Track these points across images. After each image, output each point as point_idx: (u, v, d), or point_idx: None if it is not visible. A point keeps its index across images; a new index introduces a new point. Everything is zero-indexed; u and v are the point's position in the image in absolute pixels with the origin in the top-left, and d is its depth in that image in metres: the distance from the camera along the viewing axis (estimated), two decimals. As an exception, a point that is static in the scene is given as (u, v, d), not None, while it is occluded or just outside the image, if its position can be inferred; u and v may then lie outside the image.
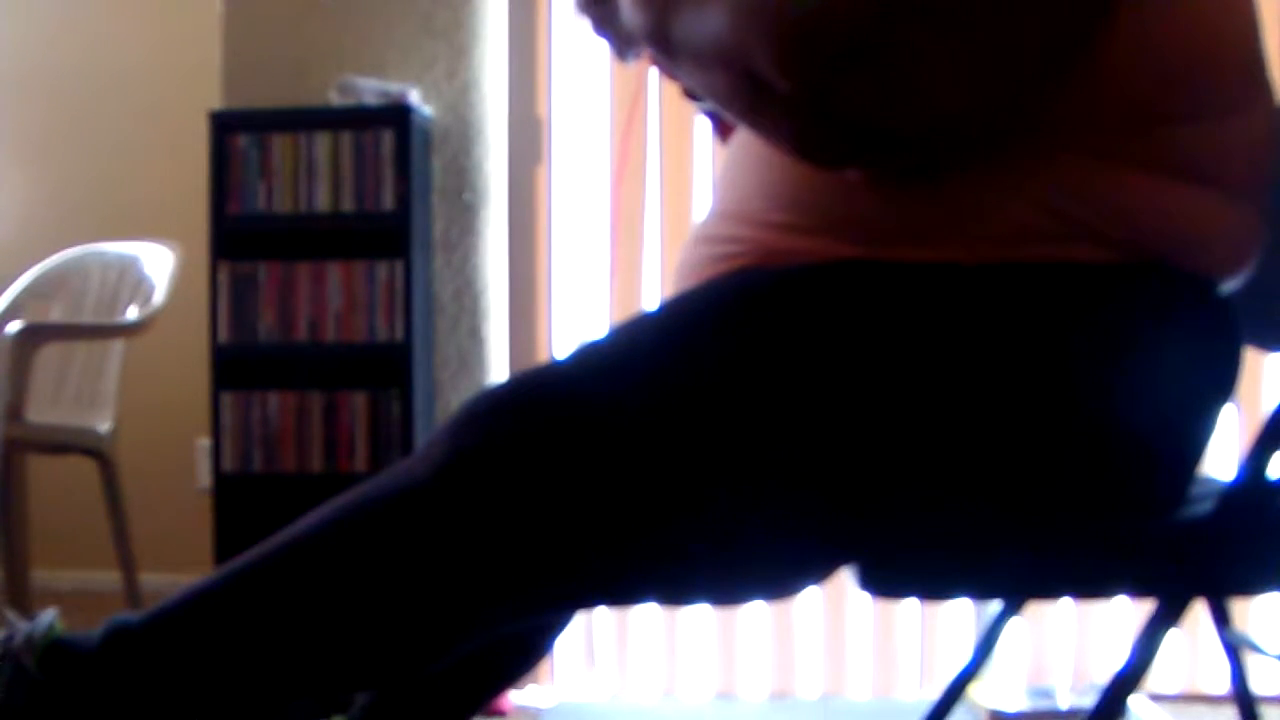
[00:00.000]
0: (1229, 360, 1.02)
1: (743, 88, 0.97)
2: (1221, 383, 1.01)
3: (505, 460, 0.90)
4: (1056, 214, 0.96)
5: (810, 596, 2.57)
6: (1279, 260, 1.17)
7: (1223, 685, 2.50)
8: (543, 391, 0.94)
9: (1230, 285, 1.04)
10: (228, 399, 2.60)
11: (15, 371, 2.76)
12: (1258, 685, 1.62)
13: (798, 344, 0.94)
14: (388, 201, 2.56)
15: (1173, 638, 1.16)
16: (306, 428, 2.58)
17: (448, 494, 0.90)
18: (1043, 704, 2.37)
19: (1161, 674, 2.55)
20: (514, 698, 2.56)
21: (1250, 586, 1.04)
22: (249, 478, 2.59)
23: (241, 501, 2.59)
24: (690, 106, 1.23)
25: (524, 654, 1.20)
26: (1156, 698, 2.53)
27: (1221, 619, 1.45)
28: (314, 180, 2.57)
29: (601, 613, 2.59)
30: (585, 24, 1.15)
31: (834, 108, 0.94)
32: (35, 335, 2.83)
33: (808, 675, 2.64)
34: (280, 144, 2.58)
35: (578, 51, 2.70)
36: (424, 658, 0.93)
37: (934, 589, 1.06)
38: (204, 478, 3.26)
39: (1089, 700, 2.40)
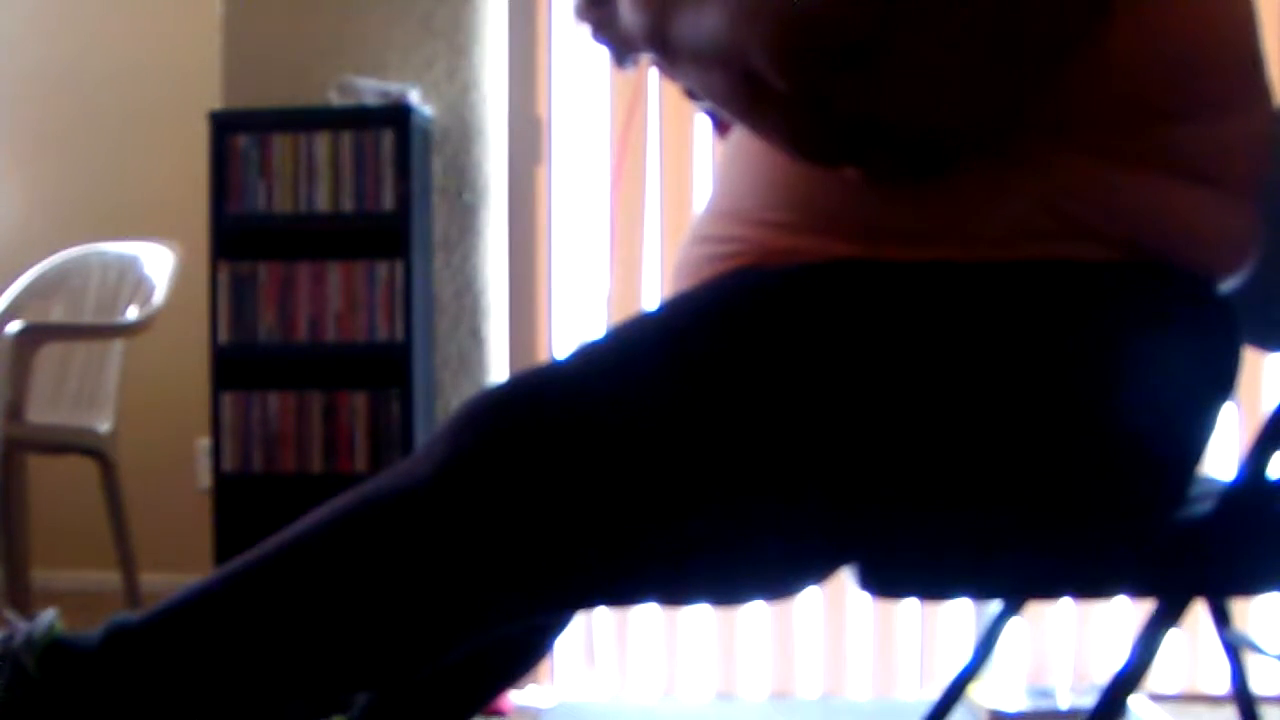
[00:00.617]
0: (1228, 359, 1.02)
1: (741, 87, 0.97)
2: (1221, 382, 1.01)
3: (505, 460, 0.90)
4: (1055, 212, 0.96)
5: (810, 596, 2.56)
6: (1279, 260, 1.17)
7: (1223, 685, 2.50)
8: (542, 392, 0.94)
9: (1229, 284, 1.04)
10: (228, 399, 2.60)
11: (15, 371, 2.76)
12: (1258, 685, 1.62)
13: (796, 344, 0.94)
14: (388, 201, 2.56)
15: (1173, 638, 1.16)
16: (306, 428, 2.58)
17: (448, 494, 0.90)
18: (1043, 704, 2.37)
19: (1161, 674, 2.55)
20: (514, 698, 2.56)
21: (1250, 586, 1.04)
22: (249, 478, 2.59)
23: (241, 501, 2.59)
24: (690, 105, 1.23)
25: (524, 654, 1.20)
26: (1156, 698, 2.53)
27: (1221, 619, 1.45)
28: (314, 180, 2.57)
29: (601, 613, 2.59)
30: (584, 29, 1.15)
31: (832, 107, 0.94)
32: (35, 335, 2.83)
33: (808, 675, 2.64)
34: (280, 144, 2.58)
35: (578, 51, 2.70)
36: (424, 658, 0.93)
37: (934, 589, 1.06)
38: (204, 478, 3.26)
39: (1089, 700, 2.40)
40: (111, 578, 3.09)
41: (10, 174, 3.67)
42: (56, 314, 3.20)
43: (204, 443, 3.24)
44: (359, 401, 2.58)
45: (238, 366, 2.61)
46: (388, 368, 2.58)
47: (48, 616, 0.96)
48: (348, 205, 2.57)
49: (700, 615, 2.64)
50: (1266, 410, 1.02)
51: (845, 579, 1.05)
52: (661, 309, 1.00)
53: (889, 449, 0.94)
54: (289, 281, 2.59)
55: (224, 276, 2.60)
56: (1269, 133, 1.04)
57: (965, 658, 1.54)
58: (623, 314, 2.49)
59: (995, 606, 1.52)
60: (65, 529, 3.40)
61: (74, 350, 3.17)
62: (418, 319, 2.61)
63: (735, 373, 0.94)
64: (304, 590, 0.91)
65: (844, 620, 2.63)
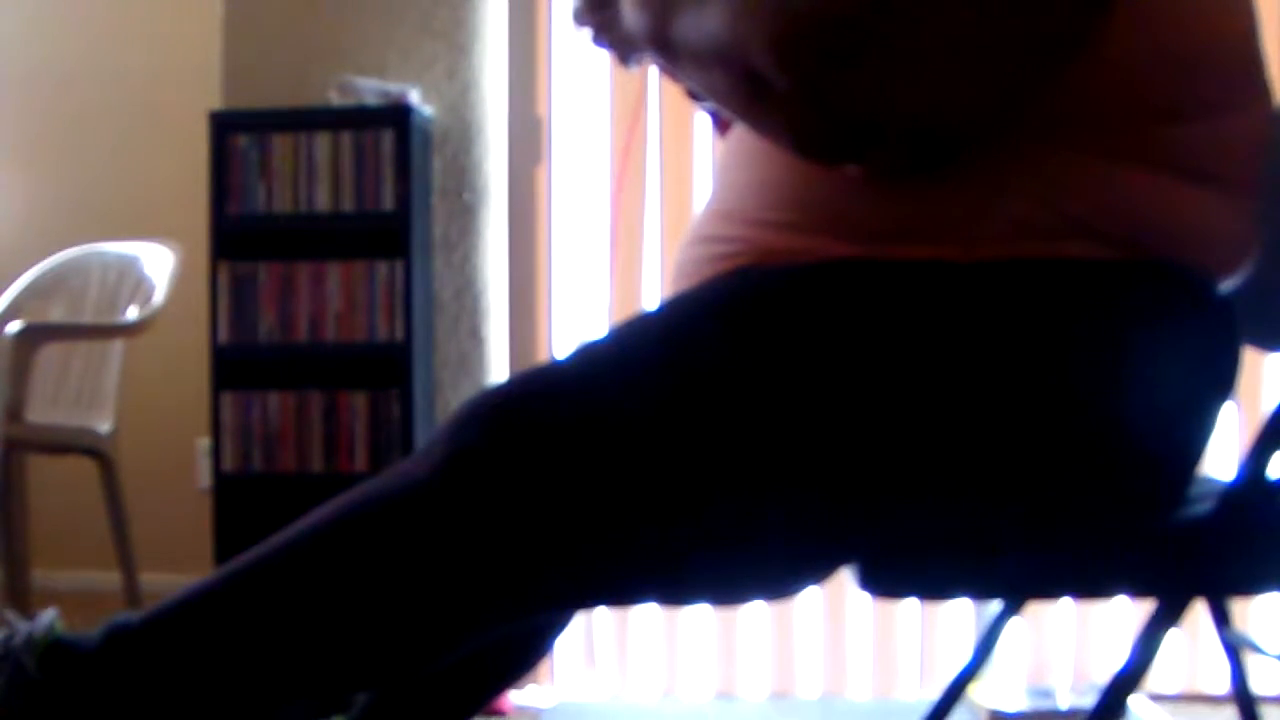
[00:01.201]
0: (1228, 359, 1.02)
1: (742, 86, 0.97)
2: (1220, 381, 1.01)
3: (505, 460, 0.90)
4: (1055, 211, 0.96)
5: (810, 596, 2.56)
6: (1279, 260, 1.17)
7: (1223, 685, 2.50)
8: (543, 392, 0.94)
9: (1228, 283, 1.04)
10: (228, 399, 2.60)
11: (15, 371, 2.76)
12: (1258, 685, 1.62)
13: (796, 343, 0.94)
14: (388, 201, 2.56)
15: (1173, 638, 1.16)
16: (306, 428, 2.58)
17: (448, 494, 0.90)
18: (1043, 704, 2.37)
19: (1161, 674, 2.55)
20: (514, 698, 2.56)
21: (1250, 586, 1.04)
22: (249, 478, 2.59)
23: (241, 501, 2.59)
24: (690, 104, 1.23)
25: (524, 654, 1.20)
26: (1156, 698, 2.53)
27: (1221, 619, 1.45)
28: (314, 180, 2.57)
29: (601, 613, 2.59)
30: (585, 34, 1.15)
31: (832, 104, 0.94)
32: (35, 335, 2.83)
33: (808, 675, 2.64)
34: (280, 144, 2.58)
35: (578, 51, 2.70)
36: (424, 657, 0.93)
37: (934, 589, 1.06)
38: (204, 478, 3.26)
39: (1089, 700, 2.40)
40: (111, 578, 3.09)
41: (10, 174, 3.67)
42: (56, 314, 3.20)
43: (204, 443, 3.24)
44: (359, 401, 2.58)
45: (238, 366, 2.61)
46: (388, 368, 2.58)
47: (48, 616, 0.96)
48: (348, 205, 2.57)
49: (700, 615, 2.64)
50: (1266, 410, 1.02)
51: (845, 579, 1.05)
52: (662, 309, 1.00)
53: (889, 448, 0.94)
54: (289, 281, 2.59)
55: (224, 276, 2.60)
56: (1268, 132, 1.04)
57: (965, 658, 1.54)
58: (623, 314, 2.50)
59: (995, 606, 1.52)
60: (65, 529, 3.40)
61: (74, 350, 3.17)
62: (418, 319, 2.61)
63: (735, 372, 0.94)
64: (304, 590, 0.91)
65: (844, 620, 2.63)
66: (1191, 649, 2.55)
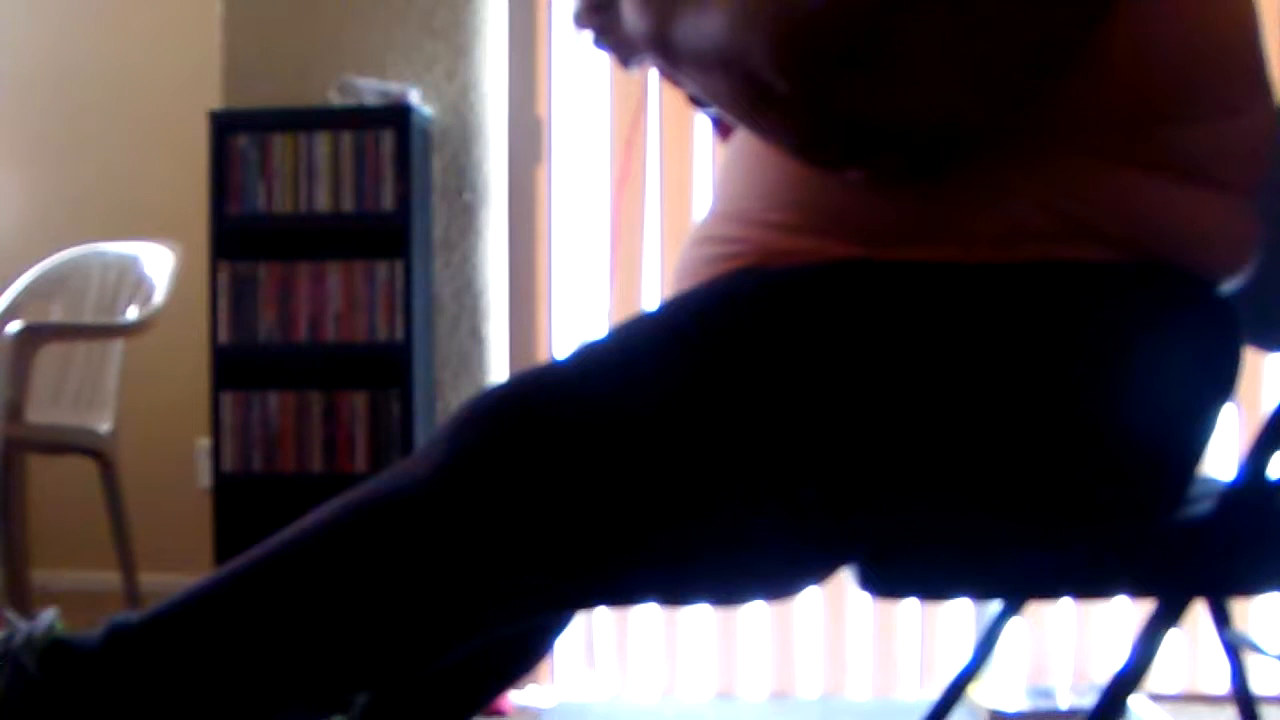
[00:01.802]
0: (1229, 360, 1.02)
1: (743, 90, 0.97)
2: (1221, 382, 1.01)
3: (505, 460, 0.90)
4: (1056, 213, 0.96)
5: (810, 596, 2.56)
6: (1279, 260, 1.17)
7: (1223, 685, 2.50)
8: (542, 392, 0.94)
9: (1230, 285, 1.04)
10: (228, 399, 2.60)
11: (15, 371, 2.76)
12: (1258, 685, 1.62)
13: (797, 344, 0.94)
14: (388, 201, 2.56)
15: (1173, 638, 1.16)
16: (306, 428, 2.58)
17: (447, 494, 0.90)
18: (1043, 704, 2.37)
19: (1161, 674, 2.55)
20: (514, 698, 2.56)
21: (1250, 586, 1.04)
22: (249, 478, 2.59)
23: (241, 501, 2.59)
24: (691, 107, 1.23)
25: (524, 654, 1.20)
26: (1156, 698, 2.53)
27: (1221, 619, 1.45)
28: (314, 180, 2.57)
29: (601, 613, 2.59)
30: (586, 36, 1.15)
31: (833, 108, 0.94)
32: (35, 335, 2.83)
33: (808, 675, 2.64)
34: (280, 144, 2.58)
35: (578, 51, 2.70)
36: (424, 657, 0.93)
37: (934, 589, 1.06)
38: (204, 478, 3.26)
39: (1089, 700, 2.40)
40: (111, 578, 3.09)
41: (10, 174, 3.67)
42: (56, 314, 3.20)
43: (204, 443, 3.24)
44: (359, 401, 2.58)
45: (238, 366, 2.61)
46: (388, 368, 2.58)
47: (48, 616, 0.96)
48: (348, 205, 2.57)
49: (700, 615, 2.64)
50: (1266, 410, 1.02)
51: (845, 579, 1.05)
52: (662, 309, 1.00)
53: (889, 449, 0.94)
54: (289, 281, 2.59)
55: (224, 276, 2.60)
56: (1270, 133, 1.04)
57: (965, 658, 1.54)
58: (623, 314, 2.50)
59: (995, 606, 1.52)
60: (65, 529, 3.40)
61: (74, 350, 3.17)
62: (418, 319, 2.61)
63: (736, 373, 0.94)
64: (304, 590, 0.91)
65: (844, 620, 2.63)
66: (1191, 649, 2.55)
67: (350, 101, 2.61)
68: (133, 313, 3.06)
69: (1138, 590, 1.05)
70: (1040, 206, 0.96)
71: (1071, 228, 0.96)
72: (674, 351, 0.96)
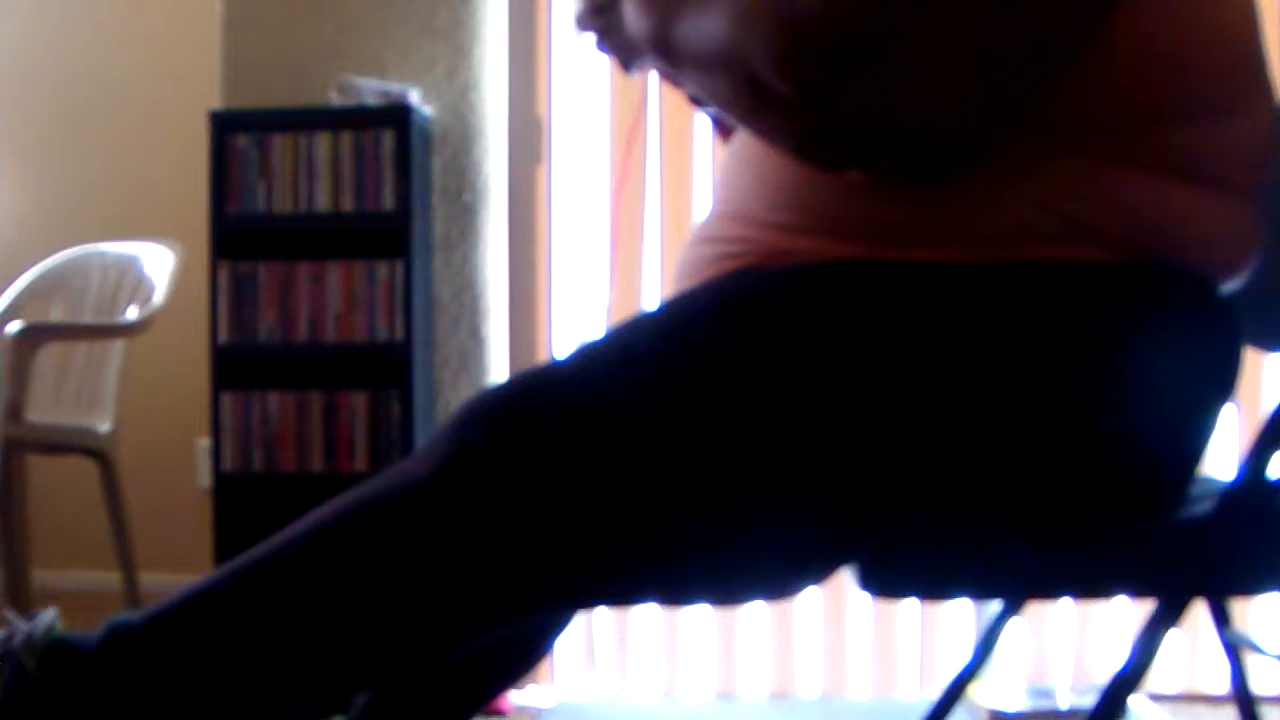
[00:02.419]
0: (1229, 360, 1.02)
1: (744, 91, 0.97)
2: (1222, 383, 1.01)
3: (505, 461, 0.90)
4: (1057, 214, 0.96)
5: (810, 596, 2.57)
6: (1279, 260, 1.17)
7: (1223, 685, 2.50)
8: (543, 392, 0.94)
9: (1230, 285, 1.04)
10: (228, 399, 2.60)
11: (15, 371, 2.76)
12: (1258, 685, 1.62)
13: (798, 343, 0.94)
14: (388, 201, 2.56)
15: (1173, 638, 1.16)
16: (306, 428, 2.58)
17: (447, 494, 0.90)
18: (1043, 704, 2.37)
19: (1161, 674, 2.55)
20: (514, 698, 2.56)
21: (1250, 586, 1.04)
22: (249, 478, 2.59)
23: (241, 501, 2.59)
24: (690, 107, 1.23)
25: (524, 654, 1.20)
26: (1156, 698, 2.53)
27: (1221, 619, 1.45)
28: (314, 180, 2.57)
29: (601, 613, 2.59)
30: (588, 39, 1.15)
31: (834, 110, 0.94)
32: (35, 335, 2.83)
33: (808, 675, 2.64)
34: (280, 144, 2.58)
35: (578, 51, 2.70)
36: (424, 658, 0.93)
37: (934, 589, 1.06)
38: (204, 478, 3.26)
39: (1089, 700, 2.40)
40: (111, 578, 3.09)
41: (10, 174, 3.67)
42: (56, 314, 3.20)
43: (204, 443, 3.24)
44: (359, 401, 2.58)
45: (238, 366, 2.61)
46: (388, 368, 2.58)
47: (48, 616, 0.96)
48: (348, 205, 2.57)
49: (700, 615, 2.64)
50: (1266, 410, 1.02)
51: (845, 579, 1.05)
52: (662, 309, 1.00)
53: (890, 449, 0.94)
54: (289, 281, 2.59)
55: (224, 276, 2.60)
56: (1270, 134, 1.04)
57: (965, 658, 1.54)
58: (623, 314, 2.49)
59: (995, 606, 1.52)
60: (65, 529, 3.40)
61: (74, 350, 3.17)
62: (418, 319, 2.61)
63: (736, 372, 0.94)
64: (304, 590, 0.91)
65: (844, 620, 2.63)
66: (1191, 649, 2.55)
67: (350, 101, 2.61)
68: (133, 313, 3.06)
69: (1138, 590, 1.05)
70: (1041, 207, 0.96)
71: (1072, 228, 0.96)
72: (674, 352, 0.96)
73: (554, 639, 1.22)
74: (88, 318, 3.16)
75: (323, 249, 2.59)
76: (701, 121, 2.61)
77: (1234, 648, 1.49)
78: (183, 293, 3.06)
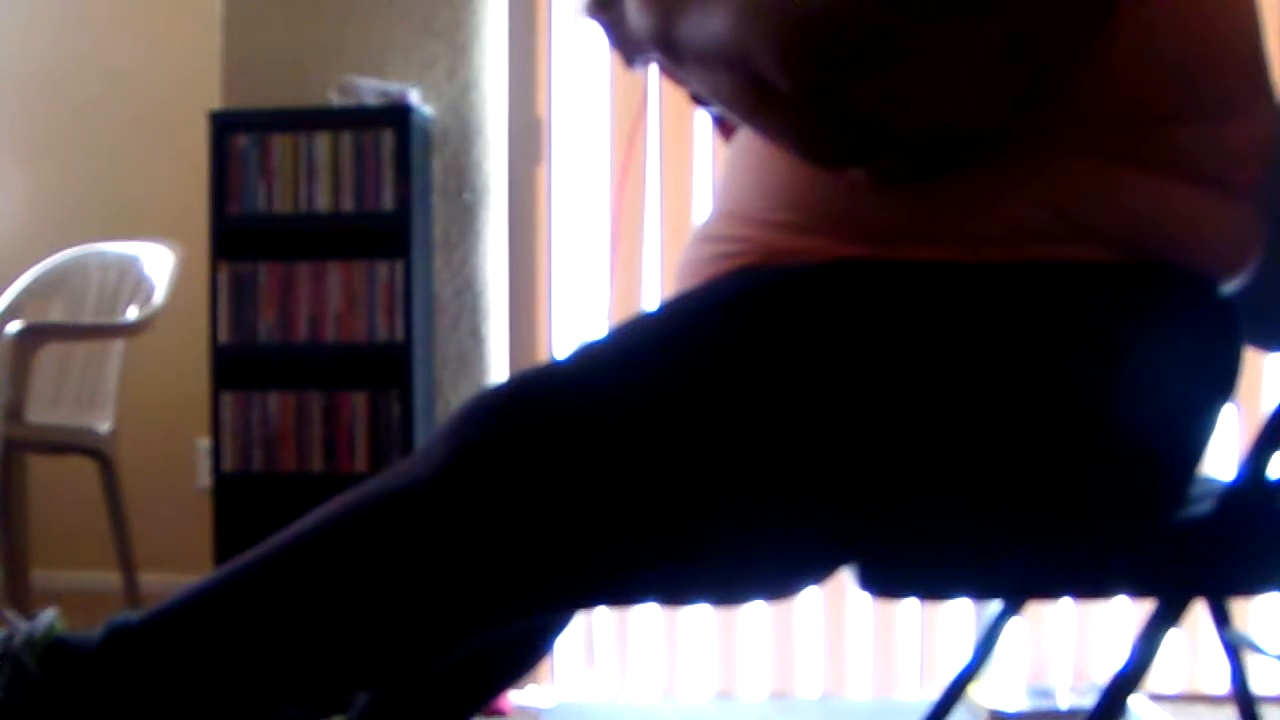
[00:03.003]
0: (1229, 360, 1.02)
1: (747, 89, 0.97)
2: (1222, 383, 1.01)
3: (505, 460, 0.90)
4: (1058, 213, 0.96)
5: (810, 596, 2.57)
6: (1279, 260, 1.17)
7: (1223, 685, 2.50)
8: (543, 392, 0.94)
9: (1231, 286, 1.04)
10: (228, 399, 2.60)
11: (15, 371, 2.76)
12: (1258, 685, 1.62)
13: (799, 343, 0.94)
14: (388, 201, 2.56)
15: (1173, 638, 1.16)
16: (306, 428, 2.58)
17: (447, 494, 0.90)
18: (1043, 704, 2.37)
19: (1161, 674, 2.55)
20: (514, 698, 2.56)
21: (1250, 586, 1.04)
22: (249, 478, 2.59)
23: (241, 501, 2.59)
24: (691, 106, 1.23)
25: (524, 654, 1.20)
26: (1156, 698, 2.53)
27: (1221, 619, 1.45)
28: (314, 180, 2.57)
29: (601, 613, 2.59)
30: (595, 28, 1.15)
31: (837, 108, 0.94)
32: (35, 335, 2.83)
33: (808, 675, 2.64)
34: (280, 144, 2.58)
35: (578, 52, 2.70)
36: (424, 658, 0.93)
37: (934, 589, 1.06)
38: (204, 478, 3.26)
39: (1089, 700, 2.40)
40: (111, 578, 3.09)
41: (10, 174, 3.67)
42: (56, 314, 3.20)
43: (204, 443, 3.24)
44: (359, 401, 2.58)
45: (238, 366, 2.61)
46: (388, 368, 2.58)
47: (48, 616, 0.96)
48: (348, 205, 2.57)
49: (700, 615, 2.64)
50: (1266, 410, 1.02)
51: (845, 579, 1.05)
52: (663, 308, 1.00)
53: (890, 448, 0.94)
54: (289, 281, 2.59)
55: (224, 276, 2.60)
56: (1271, 134, 1.04)
57: (965, 658, 1.54)
58: (623, 314, 2.49)
59: (995, 606, 1.52)
60: (65, 529, 3.40)
61: (74, 350, 3.17)
62: (418, 319, 2.61)
63: (736, 372, 0.94)
64: (304, 590, 0.91)
65: (844, 620, 2.63)
66: (1191, 649, 2.55)
67: (350, 101, 2.61)
68: (133, 313, 3.06)
69: (1138, 590, 1.05)
70: (1041, 207, 0.96)
71: (1072, 228, 0.96)
72: (675, 351, 0.96)
73: (554, 639, 1.22)
74: (88, 318, 3.16)
75: (323, 249, 2.59)
76: (702, 121, 2.61)
77: (1234, 648, 1.49)
78: (182, 293, 3.06)
